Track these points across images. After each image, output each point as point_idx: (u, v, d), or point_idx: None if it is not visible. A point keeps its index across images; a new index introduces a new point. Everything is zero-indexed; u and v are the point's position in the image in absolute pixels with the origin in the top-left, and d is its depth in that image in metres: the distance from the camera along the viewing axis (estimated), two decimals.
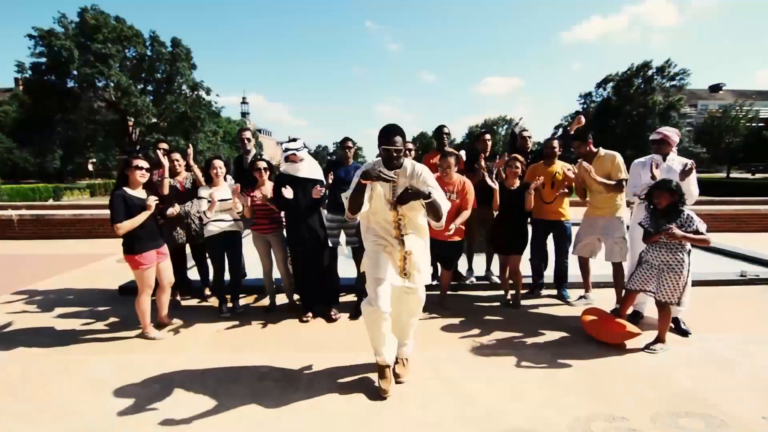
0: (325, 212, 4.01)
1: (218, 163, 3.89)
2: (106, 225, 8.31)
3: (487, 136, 4.77)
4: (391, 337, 2.67)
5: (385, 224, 2.57)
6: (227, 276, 4.05)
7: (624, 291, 3.51)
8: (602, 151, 3.93)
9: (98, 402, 2.55)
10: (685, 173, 3.35)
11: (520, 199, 3.93)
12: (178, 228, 4.07)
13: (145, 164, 3.33)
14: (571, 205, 4.28)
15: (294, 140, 3.74)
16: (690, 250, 3.17)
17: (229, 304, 4.09)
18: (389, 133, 2.42)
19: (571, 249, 4.22)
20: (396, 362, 2.79)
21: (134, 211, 3.23)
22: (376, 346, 2.63)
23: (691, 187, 3.40)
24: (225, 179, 4.02)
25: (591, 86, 39.87)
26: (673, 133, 3.55)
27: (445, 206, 2.48)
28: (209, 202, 3.74)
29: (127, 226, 3.19)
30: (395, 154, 2.41)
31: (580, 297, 4.26)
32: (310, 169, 3.75)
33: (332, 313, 3.87)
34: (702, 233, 3.05)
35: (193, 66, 32.01)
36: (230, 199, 3.82)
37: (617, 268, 3.91)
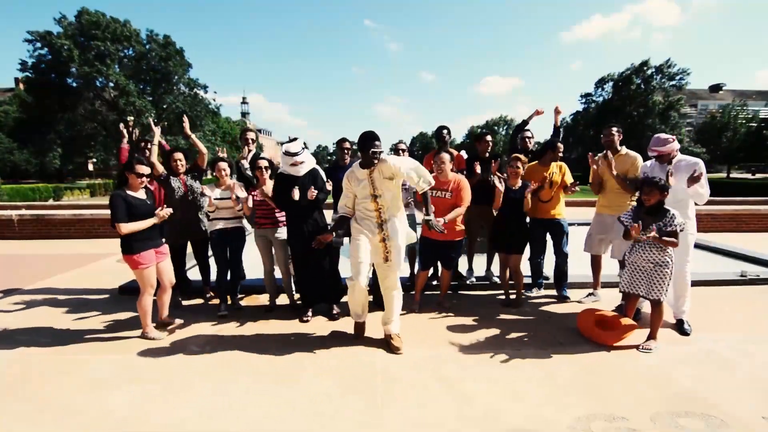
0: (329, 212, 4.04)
1: (223, 165, 3.91)
2: (106, 225, 8.31)
3: (488, 137, 4.77)
4: (366, 300, 3.35)
5: (368, 212, 3.14)
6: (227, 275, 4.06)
7: (622, 296, 3.52)
8: (624, 150, 3.92)
9: (98, 402, 2.55)
10: (693, 179, 3.25)
11: (522, 199, 3.94)
12: (185, 224, 4.06)
13: (146, 170, 3.35)
14: (574, 205, 4.29)
15: (294, 140, 3.72)
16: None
17: (229, 302, 4.10)
18: (371, 140, 3.00)
19: (583, 248, 4.25)
20: (391, 338, 3.28)
21: (134, 210, 3.24)
22: (355, 311, 3.38)
23: (700, 189, 3.32)
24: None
25: (592, 86, 39.91)
26: (664, 144, 3.45)
27: (426, 177, 3.18)
28: (208, 199, 3.79)
29: (130, 227, 3.20)
30: (377, 155, 3.01)
31: (589, 294, 4.29)
32: (309, 165, 3.75)
33: (334, 312, 3.88)
34: (676, 236, 3.05)
35: (189, 65, 32.02)
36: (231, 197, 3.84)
37: (623, 265, 3.92)
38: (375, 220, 3.15)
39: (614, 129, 3.95)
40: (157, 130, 4.10)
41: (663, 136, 3.53)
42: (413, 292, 4.17)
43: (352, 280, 3.13)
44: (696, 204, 3.52)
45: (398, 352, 3.16)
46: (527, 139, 4.75)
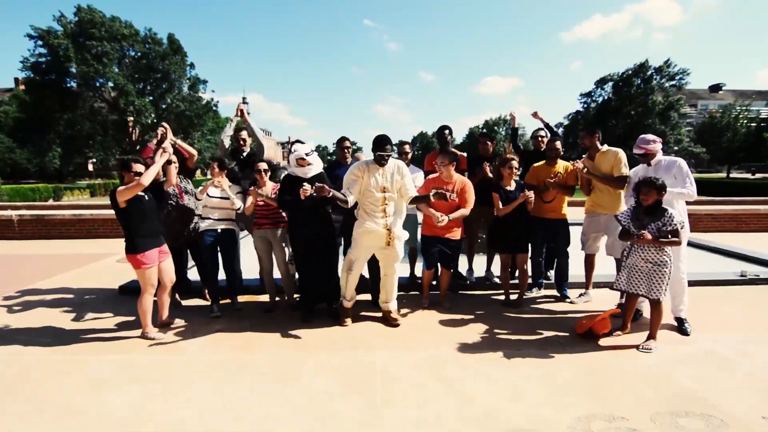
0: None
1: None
2: (106, 225, 8.32)
3: (487, 141, 4.73)
4: (354, 286, 3.75)
5: (374, 206, 3.48)
6: (221, 275, 4.05)
7: (624, 297, 3.54)
8: (605, 147, 3.96)
9: (98, 402, 2.55)
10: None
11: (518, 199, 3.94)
12: (184, 226, 4.06)
13: (142, 169, 3.35)
14: (574, 205, 4.31)
15: (299, 142, 3.78)
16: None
17: (227, 300, 4.10)
18: (382, 143, 3.43)
19: (580, 248, 4.25)
20: (390, 312, 3.77)
21: (137, 206, 3.25)
22: (348, 294, 3.73)
23: (680, 190, 3.36)
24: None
25: (592, 85, 39.83)
26: (650, 143, 3.51)
27: (413, 191, 3.59)
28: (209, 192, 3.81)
29: (150, 172, 3.22)
30: (386, 157, 3.44)
31: (581, 294, 4.28)
32: (317, 168, 3.78)
33: (335, 312, 3.87)
34: (677, 235, 3.05)
35: (191, 65, 32.04)
36: (228, 197, 3.85)
37: (620, 263, 3.92)
38: (381, 213, 3.48)
39: (583, 132, 4.07)
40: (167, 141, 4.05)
41: (649, 136, 3.59)
42: (414, 292, 4.18)
43: (349, 271, 3.66)
44: (687, 203, 3.58)
45: (396, 323, 3.68)
46: (540, 139, 4.70)
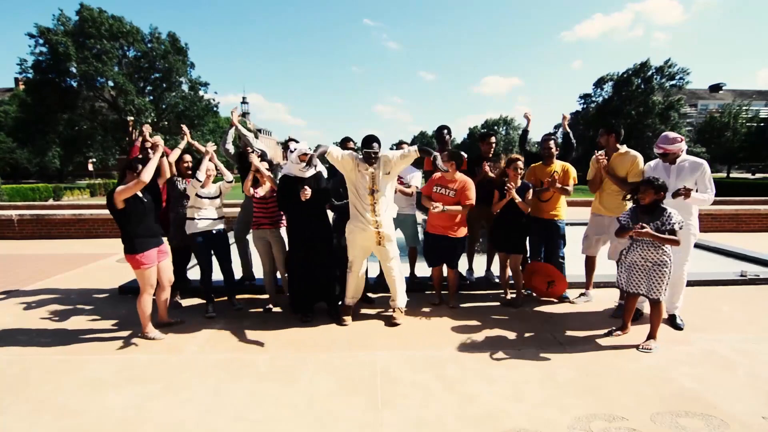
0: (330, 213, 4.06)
1: (210, 165, 3.92)
2: (106, 225, 8.32)
3: (492, 139, 4.66)
4: (360, 285, 3.85)
5: (364, 206, 3.53)
6: (216, 276, 4.04)
7: (620, 295, 3.54)
8: (623, 148, 3.86)
9: (98, 402, 2.55)
10: (678, 195, 3.24)
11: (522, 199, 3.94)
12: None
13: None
14: (574, 205, 4.29)
15: (295, 140, 3.78)
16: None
17: (215, 300, 4.10)
18: (369, 142, 3.56)
19: (580, 249, 4.25)
20: (393, 310, 3.80)
21: (134, 207, 3.25)
22: (351, 294, 3.80)
23: (699, 197, 3.33)
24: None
25: (591, 86, 39.85)
26: (672, 143, 3.41)
27: (403, 151, 3.56)
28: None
29: (148, 169, 3.18)
30: (373, 155, 3.50)
31: (581, 294, 4.28)
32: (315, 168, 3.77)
33: (334, 312, 3.88)
34: (675, 234, 3.04)
35: (192, 64, 32.05)
36: (217, 196, 3.88)
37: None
38: (370, 212, 3.52)
39: (602, 129, 3.95)
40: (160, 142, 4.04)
41: (672, 134, 3.48)
42: (414, 292, 4.17)
43: (350, 270, 3.74)
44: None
45: (394, 321, 3.70)
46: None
